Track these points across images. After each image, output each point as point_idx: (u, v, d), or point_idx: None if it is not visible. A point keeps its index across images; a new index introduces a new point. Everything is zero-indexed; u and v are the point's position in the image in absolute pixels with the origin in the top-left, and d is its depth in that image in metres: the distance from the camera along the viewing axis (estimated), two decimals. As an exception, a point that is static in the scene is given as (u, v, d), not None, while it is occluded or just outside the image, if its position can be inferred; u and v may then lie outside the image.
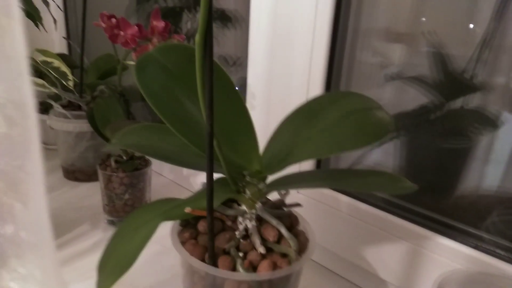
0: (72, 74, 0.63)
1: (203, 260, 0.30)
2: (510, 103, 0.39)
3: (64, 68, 0.58)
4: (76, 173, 0.72)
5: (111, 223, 0.59)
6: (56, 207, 0.64)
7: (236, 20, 0.66)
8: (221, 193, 0.32)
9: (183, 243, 0.32)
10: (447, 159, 0.44)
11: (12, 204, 0.18)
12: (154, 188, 0.64)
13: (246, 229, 0.33)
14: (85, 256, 0.52)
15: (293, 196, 0.53)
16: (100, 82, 0.70)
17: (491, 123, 0.41)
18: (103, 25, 0.50)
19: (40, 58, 0.59)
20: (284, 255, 0.31)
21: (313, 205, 0.51)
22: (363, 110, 0.31)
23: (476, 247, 0.40)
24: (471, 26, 0.40)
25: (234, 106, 0.34)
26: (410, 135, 0.47)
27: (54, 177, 0.74)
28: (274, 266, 0.30)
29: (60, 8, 0.92)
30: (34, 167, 0.19)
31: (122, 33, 0.48)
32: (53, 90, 0.58)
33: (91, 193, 0.68)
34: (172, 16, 0.76)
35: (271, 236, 0.32)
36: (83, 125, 0.68)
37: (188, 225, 0.34)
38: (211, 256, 0.29)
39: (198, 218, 0.34)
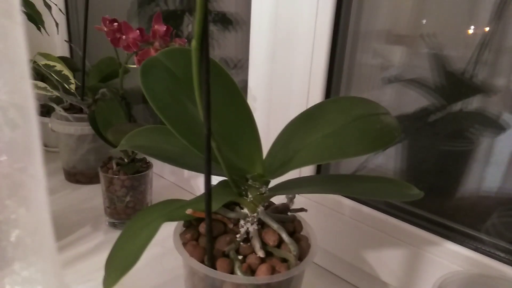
0: (74, 77, 0.63)
1: (202, 261, 0.31)
2: (511, 104, 0.39)
3: (66, 71, 0.58)
4: (78, 176, 0.73)
5: (113, 225, 0.60)
6: (58, 209, 0.64)
7: (237, 23, 0.66)
8: (223, 196, 0.32)
9: (184, 244, 0.32)
10: (447, 161, 0.44)
11: (15, 207, 0.18)
12: (155, 190, 0.65)
13: (247, 233, 0.33)
14: (87, 258, 0.52)
15: (295, 199, 0.53)
16: (101, 85, 0.70)
17: (492, 125, 0.41)
18: (105, 29, 0.51)
19: (42, 61, 0.59)
20: (284, 260, 0.32)
21: (315, 208, 0.51)
22: (368, 116, 0.31)
23: (476, 249, 0.40)
24: (471, 27, 0.41)
25: (238, 109, 0.34)
26: (411, 137, 0.47)
27: (55, 179, 0.74)
28: (273, 271, 0.30)
29: (62, 12, 0.93)
30: (37, 170, 0.19)
31: (124, 37, 0.49)
32: (55, 93, 0.58)
33: (93, 196, 0.69)
34: (173, 19, 0.76)
35: (271, 240, 0.32)
36: (84, 128, 0.68)
37: (190, 226, 0.34)
38: (210, 258, 0.30)
39: (200, 220, 0.34)
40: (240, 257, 0.31)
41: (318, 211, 0.51)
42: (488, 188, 0.42)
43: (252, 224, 0.33)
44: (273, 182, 0.35)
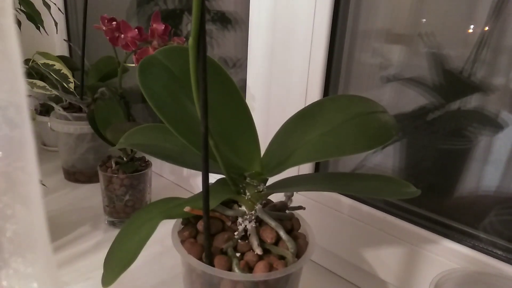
0: (73, 76, 0.63)
1: (200, 258, 0.31)
2: (508, 102, 0.40)
3: (65, 70, 0.58)
4: (77, 175, 0.73)
5: (112, 224, 0.60)
6: (57, 208, 0.64)
7: (236, 22, 0.66)
8: (221, 194, 0.32)
9: (182, 241, 0.32)
10: (446, 160, 0.44)
11: (13, 205, 0.18)
12: (154, 189, 0.65)
13: (245, 230, 0.33)
14: (86, 257, 0.52)
15: (294, 197, 0.53)
16: (100, 84, 0.70)
17: (490, 123, 0.41)
18: (104, 28, 0.51)
19: (41, 60, 0.59)
20: (281, 257, 0.32)
21: (314, 206, 0.51)
22: (366, 114, 0.32)
23: (473, 247, 0.40)
24: (469, 26, 0.41)
25: (236, 107, 0.34)
26: (409, 136, 0.47)
27: (55, 178, 0.74)
28: (270, 268, 0.30)
29: (61, 11, 0.93)
30: (31, 167, 0.20)
31: (122, 36, 0.49)
32: (54, 92, 0.58)
33: (92, 195, 0.69)
34: (172, 18, 0.76)
35: (269, 238, 0.32)
36: (83, 127, 0.68)
37: (188, 224, 0.34)
38: (207, 255, 0.30)
39: (199, 218, 0.34)
40: (238, 254, 0.31)
41: (316, 209, 0.51)
42: (486, 186, 0.42)
43: (250, 221, 0.33)
44: (271, 180, 0.35)
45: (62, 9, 0.98)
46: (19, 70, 0.23)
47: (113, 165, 0.58)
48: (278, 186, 0.35)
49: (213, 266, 0.30)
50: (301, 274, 0.35)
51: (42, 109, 0.85)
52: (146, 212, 0.33)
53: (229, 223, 0.34)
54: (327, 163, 0.55)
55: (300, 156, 0.31)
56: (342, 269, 0.51)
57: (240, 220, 0.33)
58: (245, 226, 0.33)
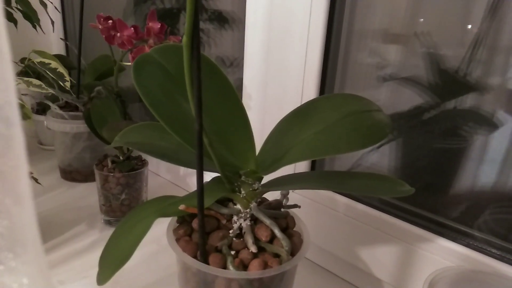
0: (70, 75, 0.63)
1: (195, 257, 0.31)
2: (504, 102, 0.40)
3: (61, 69, 0.58)
4: (73, 174, 0.73)
5: (108, 223, 0.60)
6: (53, 207, 0.64)
7: (233, 21, 0.66)
8: (216, 192, 0.32)
9: (177, 239, 0.32)
10: (441, 159, 0.44)
11: (9, 204, 0.18)
12: (151, 188, 0.65)
13: (240, 228, 0.33)
14: (82, 255, 0.52)
15: (290, 196, 0.53)
16: (97, 83, 0.70)
17: (486, 123, 0.41)
18: (100, 26, 0.51)
19: (38, 59, 0.59)
20: (276, 255, 0.32)
21: (309, 205, 0.51)
22: (361, 113, 0.32)
23: (468, 245, 0.40)
24: (464, 26, 0.41)
25: (231, 106, 0.34)
26: (405, 135, 0.47)
27: (51, 177, 0.74)
28: (265, 265, 0.30)
29: (57, 10, 0.93)
30: (24, 166, 0.20)
31: (118, 34, 0.49)
32: (50, 90, 0.58)
33: (88, 194, 0.69)
34: (169, 17, 0.76)
35: (263, 236, 0.32)
36: (80, 126, 0.68)
37: (184, 222, 0.34)
38: (202, 253, 0.30)
39: (194, 216, 0.34)
40: (232, 252, 0.31)
41: (312, 208, 0.51)
42: (481, 185, 0.42)
43: (245, 220, 0.33)
44: (267, 178, 0.35)
45: (59, 7, 0.98)
46: (11, 68, 0.23)
47: (109, 164, 0.58)
48: (273, 184, 0.35)
49: (208, 264, 0.30)
50: (295, 271, 0.35)
51: (39, 108, 0.85)
52: (141, 210, 0.33)
53: (224, 221, 0.34)
54: (323, 162, 0.55)
55: (294, 155, 0.31)
56: (337, 267, 0.51)
57: (235, 218, 0.33)
58: (240, 224, 0.33)
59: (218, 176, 0.34)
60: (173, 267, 0.51)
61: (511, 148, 0.40)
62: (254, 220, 0.34)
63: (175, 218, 0.35)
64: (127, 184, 0.58)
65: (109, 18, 0.50)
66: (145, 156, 0.63)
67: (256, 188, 0.33)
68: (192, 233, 0.33)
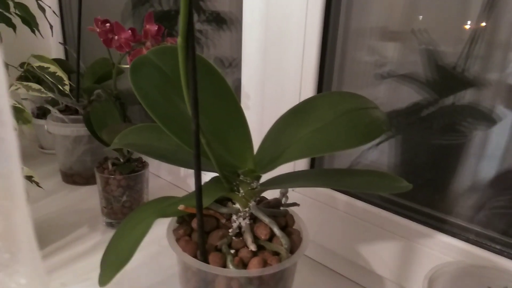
0: (69, 79, 0.64)
1: (195, 256, 0.31)
2: (503, 97, 0.40)
3: (61, 73, 0.58)
4: (75, 177, 0.73)
5: (110, 225, 0.60)
6: (55, 210, 0.64)
7: (231, 22, 0.66)
8: (214, 191, 0.32)
9: (177, 239, 0.33)
10: (440, 155, 0.45)
11: (5, 207, 0.18)
12: (151, 190, 0.65)
13: (239, 227, 0.33)
14: (84, 258, 0.52)
15: (289, 194, 0.53)
16: (96, 86, 0.70)
17: (484, 118, 0.41)
18: (98, 29, 0.51)
19: (36, 63, 0.59)
20: (276, 253, 0.32)
21: (309, 203, 0.51)
22: (357, 110, 0.32)
23: (468, 240, 0.40)
24: (462, 22, 0.41)
25: (229, 106, 0.35)
26: (404, 132, 0.47)
27: (52, 181, 0.74)
28: (265, 264, 0.30)
29: (56, 14, 0.93)
30: (19, 169, 0.20)
31: (116, 37, 0.49)
32: (50, 94, 0.58)
33: (90, 196, 0.69)
34: (167, 19, 0.77)
35: (263, 234, 0.32)
36: (80, 129, 0.69)
37: (183, 222, 0.35)
38: (202, 252, 0.30)
39: (193, 216, 0.34)
40: (232, 251, 0.32)
41: (312, 206, 0.51)
42: (480, 180, 0.42)
43: (244, 218, 0.33)
44: (266, 177, 0.35)
45: (57, 12, 0.98)
46: (3, 73, 0.23)
47: (110, 166, 0.58)
48: (271, 183, 0.35)
49: (208, 263, 0.30)
50: (295, 269, 0.35)
51: (39, 112, 0.85)
52: (141, 212, 0.33)
53: (223, 221, 0.34)
54: (322, 160, 0.55)
55: (292, 153, 0.31)
56: (338, 264, 0.52)
57: (234, 217, 0.34)
58: (239, 223, 0.33)
59: (217, 176, 0.34)
60: (174, 268, 0.51)
61: (509, 143, 0.40)
62: (253, 219, 0.34)
63: (175, 218, 0.36)
64: (128, 186, 0.58)
65: (106, 21, 0.51)
66: (145, 158, 0.63)
67: (254, 187, 0.34)
68: (192, 233, 0.34)
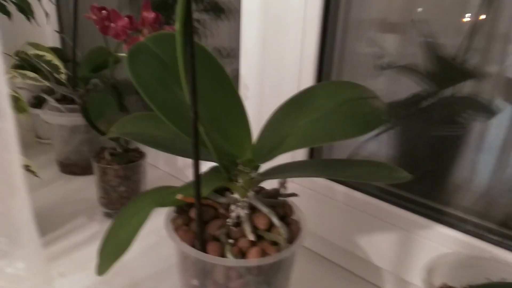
0: (65, 67, 0.63)
1: (193, 246, 0.31)
2: (502, 89, 0.40)
3: (56, 61, 0.57)
4: (72, 167, 0.73)
5: (107, 215, 0.60)
6: (52, 200, 0.64)
7: (230, 12, 0.66)
8: (213, 181, 0.32)
9: (176, 229, 0.32)
10: (439, 146, 0.44)
11: (6, 202, 0.18)
12: (149, 180, 0.65)
13: (238, 217, 0.33)
14: (82, 248, 0.52)
15: (288, 185, 0.53)
16: (93, 75, 0.69)
17: (484, 110, 0.41)
18: (94, 17, 0.50)
19: (32, 51, 0.59)
20: (274, 243, 0.32)
21: (308, 194, 0.51)
22: (357, 100, 0.31)
23: (466, 232, 0.40)
24: (462, 13, 0.40)
25: (227, 95, 0.34)
26: (403, 123, 0.47)
27: (49, 171, 0.74)
28: (263, 253, 0.30)
29: (52, 2, 0.92)
30: (18, 156, 0.19)
31: (112, 25, 0.48)
32: (46, 83, 0.58)
33: (87, 186, 0.69)
34: (165, 8, 0.76)
35: (261, 224, 0.32)
36: (77, 119, 0.68)
37: (181, 212, 0.34)
38: (201, 242, 0.30)
39: (191, 205, 0.34)
40: (231, 241, 0.31)
41: (311, 197, 0.51)
42: (478, 171, 0.42)
43: (242, 208, 0.33)
44: (264, 167, 0.35)
45: None
46: (1, 60, 0.22)
47: (107, 156, 0.58)
48: (270, 173, 0.35)
49: (207, 252, 0.30)
50: (294, 259, 0.35)
51: (35, 102, 0.84)
52: (139, 201, 0.33)
53: (221, 211, 0.34)
54: (320, 151, 0.55)
55: (291, 143, 0.31)
56: (336, 255, 0.52)
57: (232, 207, 0.33)
58: (238, 213, 0.33)
59: (215, 166, 0.34)
60: (173, 258, 0.51)
61: (508, 134, 0.40)
62: (252, 209, 0.34)
63: (173, 208, 0.35)
64: (126, 176, 0.58)
65: (103, 8, 0.50)
66: (143, 148, 0.63)
67: (253, 177, 0.33)
68: (190, 223, 0.33)
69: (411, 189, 0.46)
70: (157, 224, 0.37)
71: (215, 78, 0.33)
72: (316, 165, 0.37)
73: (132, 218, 0.31)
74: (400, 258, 0.44)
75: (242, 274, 0.30)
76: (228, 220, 0.33)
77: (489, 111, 0.41)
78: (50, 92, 0.72)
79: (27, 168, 0.49)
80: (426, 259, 0.35)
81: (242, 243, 0.31)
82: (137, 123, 0.37)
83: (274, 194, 0.37)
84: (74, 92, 0.69)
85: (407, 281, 0.44)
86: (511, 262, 0.37)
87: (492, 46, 0.39)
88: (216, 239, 0.31)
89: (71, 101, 0.70)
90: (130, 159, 0.58)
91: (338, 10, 0.49)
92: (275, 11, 0.50)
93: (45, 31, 0.95)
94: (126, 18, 0.48)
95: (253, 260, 0.29)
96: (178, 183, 0.78)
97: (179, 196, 0.30)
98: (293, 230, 0.33)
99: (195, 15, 0.70)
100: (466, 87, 0.42)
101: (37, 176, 0.51)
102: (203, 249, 0.30)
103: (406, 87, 0.46)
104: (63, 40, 1.01)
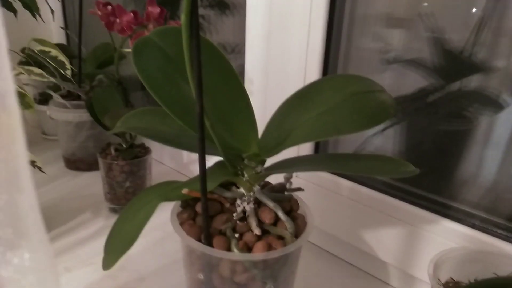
0: (71, 64, 0.63)
1: (199, 240, 0.31)
2: (508, 83, 0.39)
3: (62, 57, 0.58)
4: (77, 163, 0.73)
5: (113, 210, 0.60)
6: (58, 196, 0.64)
7: (234, 7, 0.65)
8: (219, 175, 0.32)
9: (181, 223, 0.32)
10: (446, 141, 0.44)
11: (12, 193, 0.18)
12: (155, 176, 0.65)
13: (244, 211, 0.33)
14: (88, 243, 0.53)
15: (294, 180, 0.53)
16: (98, 71, 0.70)
17: (491, 104, 0.41)
18: (99, 12, 0.50)
19: (38, 47, 0.59)
20: (280, 237, 0.32)
21: (313, 189, 0.51)
22: (363, 93, 0.31)
23: (473, 226, 0.40)
24: (469, 7, 0.40)
25: (233, 89, 0.34)
26: (409, 118, 0.47)
27: (55, 167, 0.74)
28: (269, 248, 0.30)
29: (57, -1, 0.92)
30: (26, 155, 0.20)
31: (118, 20, 0.48)
32: (51, 79, 0.58)
33: (93, 182, 0.69)
34: (170, 3, 0.76)
35: (267, 218, 0.32)
36: (82, 115, 0.68)
37: (187, 206, 0.34)
38: (206, 236, 0.30)
39: (197, 200, 0.34)
40: (236, 235, 0.31)
41: (316, 192, 0.51)
42: (485, 166, 0.42)
43: (248, 203, 0.33)
44: (270, 162, 0.35)
45: (59, -4, 0.97)
46: (7, 56, 0.22)
47: (113, 152, 0.58)
48: (276, 167, 0.34)
49: (212, 247, 0.30)
50: (300, 254, 0.35)
51: (41, 98, 0.85)
52: (144, 196, 0.33)
53: (227, 205, 0.34)
54: (326, 146, 0.55)
55: (297, 137, 0.31)
56: (342, 250, 0.52)
57: (238, 201, 0.33)
58: (244, 207, 0.33)
59: (221, 160, 0.34)
60: (179, 253, 0.51)
61: (516, 128, 0.39)
62: (258, 203, 0.34)
63: (179, 202, 0.35)
64: (131, 171, 0.58)
65: (108, 3, 0.50)
66: (148, 144, 0.63)
67: (259, 171, 0.33)
68: (196, 217, 0.33)
69: (418, 184, 0.46)
70: (163, 219, 0.37)
71: (220, 72, 0.33)
72: (322, 159, 0.37)
73: (138, 213, 0.31)
74: (406, 253, 0.44)
75: (247, 268, 0.30)
76: (234, 214, 0.33)
77: (496, 106, 0.40)
78: (55, 88, 0.72)
79: (33, 164, 0.50)
80: (433, 254, 0.35)
81: (248, 237, 0.31)
82: (143, 118, 0.37)
83: (280, 188, 0.37)
84: (80, 88, 0.69)
85: (414, 276, 0.44)
86: (518, 257, 0.36)
87: (500, 40, 0.39)
88: (222, 233, 0.31)
89: (77, 97, 0.71)
90: (135, 154, 0.58)
91: (344, 4, 0.48)
92: (280, 6, 0.50)
93: (51, 27, 0.96)
94: (131, 13, 0.48)
95: (259, 254, 0.29)
96: (183, 179, 0.78)
97: (185, 191, 0.30)
98: (299, 225, 0.33)
99: (200, 10, 0.69)
100: (473, 82, 0.42)
101: (43, 172, 0.52)
102: (209, 243, 0.30)
103: (412, 82, 0.46)
104: (68, 37, 1.01)
